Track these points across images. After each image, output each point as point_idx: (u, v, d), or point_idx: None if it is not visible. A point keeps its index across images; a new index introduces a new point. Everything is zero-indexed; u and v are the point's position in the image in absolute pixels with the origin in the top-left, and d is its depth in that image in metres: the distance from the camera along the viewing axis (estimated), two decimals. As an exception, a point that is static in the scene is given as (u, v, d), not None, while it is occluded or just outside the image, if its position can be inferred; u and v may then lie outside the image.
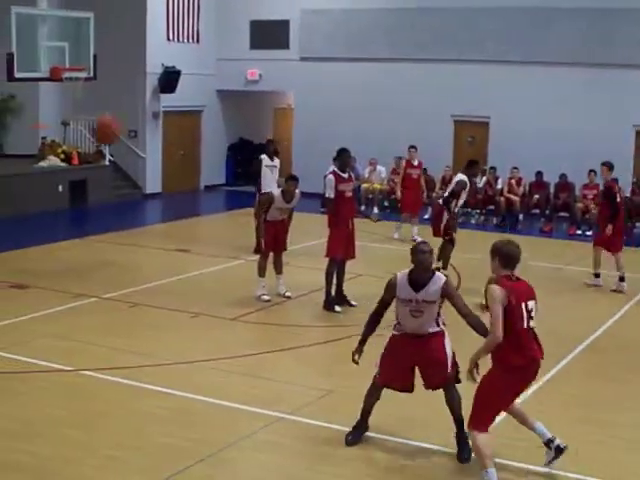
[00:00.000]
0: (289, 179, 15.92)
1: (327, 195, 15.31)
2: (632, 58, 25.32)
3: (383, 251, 20.54)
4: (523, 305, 8.73)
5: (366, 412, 9.90)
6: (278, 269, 16.08)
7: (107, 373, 11.77)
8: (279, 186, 17.31)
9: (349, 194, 15.25)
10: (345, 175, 15.31)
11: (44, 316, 14.45)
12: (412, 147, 23.38)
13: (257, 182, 19.61)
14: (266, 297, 15.71)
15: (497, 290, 8.59)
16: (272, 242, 15.81)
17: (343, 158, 15.50)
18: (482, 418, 8.79)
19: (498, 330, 8.56)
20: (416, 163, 23.14)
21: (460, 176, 17.26)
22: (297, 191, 15.82)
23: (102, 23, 23.83)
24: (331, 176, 15.16)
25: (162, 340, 13.46)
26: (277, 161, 20.02)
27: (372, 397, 9.91)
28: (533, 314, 8.88)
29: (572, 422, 10.64)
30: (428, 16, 27.91)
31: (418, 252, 9.49)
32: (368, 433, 9.94)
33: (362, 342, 9.97)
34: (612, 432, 10.38)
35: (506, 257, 8.89)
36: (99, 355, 12.52)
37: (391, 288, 9.62)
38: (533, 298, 8.93)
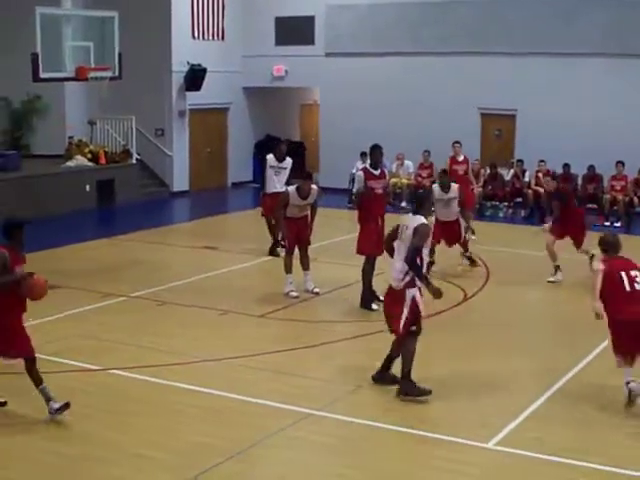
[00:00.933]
0: (303, 176, 15.94)
1: (354, 190, 15.29)
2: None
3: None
4: None
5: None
6: (305, 265, 16.06)
7: (136, 372, 11.81)
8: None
9: (379, 191, 15.01)
10: (376, 172, 15.16)
11: (73, 315, 14.51)
12: (456, 143, 23.18)
13: (262, 183, 19.52)
14: (294, 293, 15.71)
15: None
16: (295, 239, 15.81)
17: (375, 154, 15.35)
18: None
19: None
20: (461, 159, 22.81)
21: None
22: (314, 187, 15.81)
23: (127, 22, 23.89)
24: (361, 172, 15.13)
25: (191, 338, 13.48)
26: (288, 162, 19.43)
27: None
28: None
29: (602, 414, 10.59)
30: (453, 9, 27.80)
31: None
32: (397, 427, 9.93)
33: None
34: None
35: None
36: (128, 354, 12.56)
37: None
38: None
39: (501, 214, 25.35)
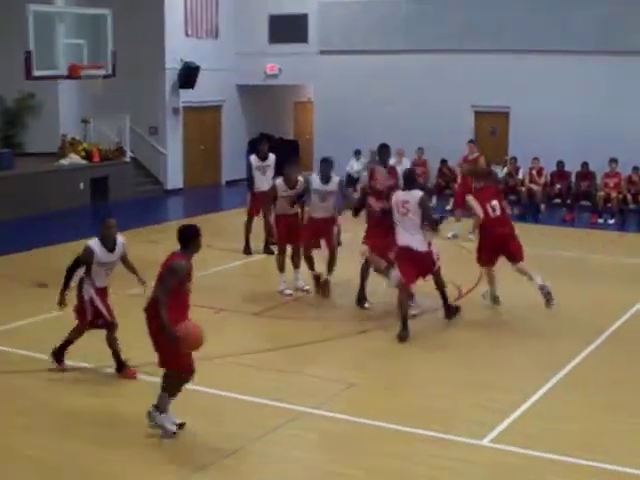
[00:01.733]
0: (290, 165, 15.85)
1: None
2: (652, 45, 25.18)
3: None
4: None
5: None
6: (295, 263, 15.99)
7: (131, 370, 11.79)
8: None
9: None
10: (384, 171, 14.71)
11: (66, 314, 14.45)
12: (470, 141, 23.17)
13: (249, 183, 19.10)
14: (288, 291, 15.70)
15: None
16: (286, 236, 15.72)
17: (383, 154, 14.92)
18: None
19: None
20: (473, 157, 22.38)
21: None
22: (300, 178, 15.72)
23: (120, 20, 23.88)
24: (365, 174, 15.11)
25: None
26: (271, 159, 19.18)
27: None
28: None
29: (599, 409, 10.63)
30: (447, 6, 27.84)
31: None
32: (392, 425, 9.94)
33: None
34: (639, 420, 10.35)
35: None
36: (122, 352, 12.52)
37: None
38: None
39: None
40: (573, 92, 26.15)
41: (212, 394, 11.02)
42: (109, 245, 11.90)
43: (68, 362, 12.03)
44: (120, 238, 12.19)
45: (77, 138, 27.24)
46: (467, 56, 27.47)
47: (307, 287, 15.93)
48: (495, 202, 14.66)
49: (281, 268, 15.82)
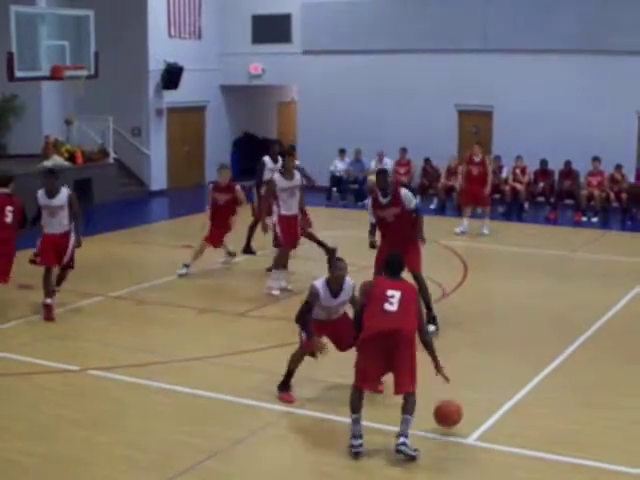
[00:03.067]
0: (286, 155, 16.07)
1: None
2: (635, 45, 25.19)
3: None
4: None
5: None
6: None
7: (115, 372, 11.77)
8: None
9: (391, 219, 13.79)
10: (385, 200, 13.68)
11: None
12: (477, 143, 23.33)
13: (257, 186, 17.76)
14: (276, 292, 15.67)
15: None
16: (289, 235, 15.75)
17: (380, 180, 13.81)
18: None
19: None
20: (478, 159, 22.43)
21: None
22: (295, 171, 15.86)
23: (102, 21, 23.82)
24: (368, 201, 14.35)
25: (170, 337, 13.46)
26: (280, 163, 18.16)
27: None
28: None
29: (581, 407, 10.66)
30: (430, 6, 27.84)
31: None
32: (378, 424, 9.94)
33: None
34: (623, 416, 10.40)
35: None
36: (107, 354, 12.53)
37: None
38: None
39: (479, 210, 25.37)
40: (556, 91, 26.22)
41: (195, 394, 11.01)
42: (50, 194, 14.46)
43: (51, 364, 12.02)
44: (65, 189, 14.65)
45: (60, 139, 27.16)
46: (450, 56, 27.51)
47: (290, 286, 15.92)
48: None
49: (280, 265, 15.83)
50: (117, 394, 11.12)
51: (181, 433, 9.81)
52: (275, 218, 15.76)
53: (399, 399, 9.53)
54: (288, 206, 15.75)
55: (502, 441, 9.57)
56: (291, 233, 15.83)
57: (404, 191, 13.67)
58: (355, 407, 9.45)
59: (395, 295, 9.53)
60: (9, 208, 14.21)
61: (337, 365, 11.99)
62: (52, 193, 14.44)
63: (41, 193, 14.49)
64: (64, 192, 14.56)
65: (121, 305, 15.27)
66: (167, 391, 11.12)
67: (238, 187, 17.35)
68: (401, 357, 9.45)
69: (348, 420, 9.77)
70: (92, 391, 11.24)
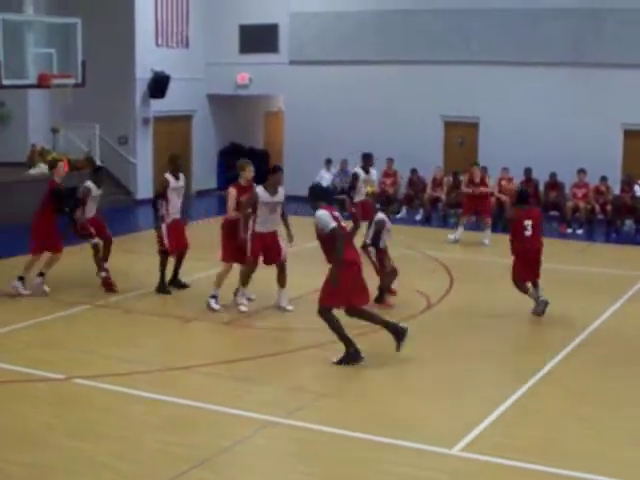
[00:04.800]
0: (274, 170, 15.74)
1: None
2: (619, 58, 25.40)
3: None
4: None
5: None
6: (281, 282, 15.54)
7: (100, 381, 11.75)
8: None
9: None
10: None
11: (37, 324, 14.44)
12: (475, 164, 23.63)
13: (156, 207, 16.79)
14: (244, 308, 15.36)
15: None
16: (261, 252, 15.22)
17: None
18: None
19: None
20: (477, 180, 23.04)
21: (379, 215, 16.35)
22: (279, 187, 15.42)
23: (90, 29, 23.80)
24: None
25: (156, 346, 13.47)
26: (182, 180, 17.36)
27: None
28: None
29: (567, 417, 10.71)
30: (417, 18, 27.95)
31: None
32: (361, 434, 9.97)
33: None
34: (608, 426, 10.44)
35: None
36: (92, 363, 12.51)
37: None
38: None
39: (464, 221, 25.43)
40: (542, 103, 26.36)
41: (180, 404, 11.01)
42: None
43: (37, 372, 12.00)
44: None
45: (47, 148, 27.13)
46: (437, 67, 27.63)
47: (290, 307, 15.65)
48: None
49: (245, 282, 15.46)
50: (102, 403, 11.10)
51: (166, 442, 9.79)
52: (249, 234, 15.09)
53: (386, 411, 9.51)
54: (265, 222, 15.24)
55: (487, 452, 9.58)
56: (265, 250, 15.27)
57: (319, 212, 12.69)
58: None
59: None
60: None
61: (323, 376, 12.04)
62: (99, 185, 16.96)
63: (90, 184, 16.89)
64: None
65: (108, 314, 15.25)
66: (152, 400, 11.11)
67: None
68: None
69: (334, 431, 9.82)
70: (77, 400, 11.22)
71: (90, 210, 16.84)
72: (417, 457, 9.56)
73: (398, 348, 12.62)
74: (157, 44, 29.43)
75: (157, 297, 16.34)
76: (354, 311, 12.59)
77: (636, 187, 24.27)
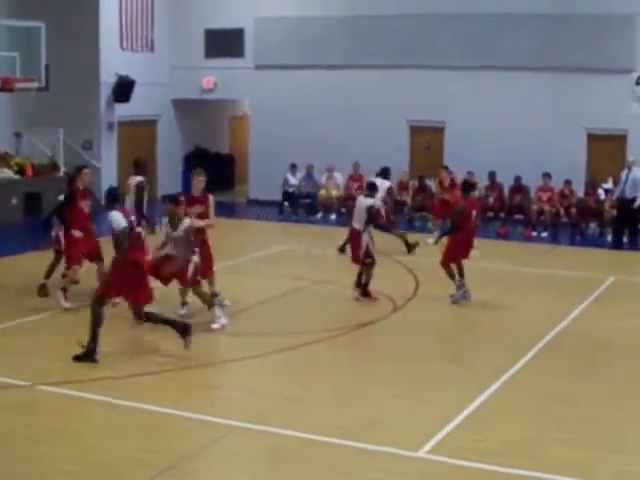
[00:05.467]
0: (173, 202, 15.07)
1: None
2: (583, 62, 25.56)
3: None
4: None
5: None
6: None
7: (65, 387, 11.66)
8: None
9: None
10: None
11: (1, 331, 14.31)
12: (444, 167, 23.82)
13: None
14: (217, 326, 14.88)
15: None
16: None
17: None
18: None
19: None
20: (447, 184, 23.21)
21: (370, 201, 16.87)
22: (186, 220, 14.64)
23: (54, 33, 23.70)
24: None
25: (120, 352, 13.37)
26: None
27: None
28: None
29: (533, 420, 10.74)
30: (383, 23, 27.97)
31: None
32: (328, 438, 9.95)
33: None
34: (574, 429, 10.48)
35: None
36: (56, 369, 12.41)
37: None
38: None
39: (430, 225, 25.50)
40: (507, 108, 26.49)
41: (146, 409, 10.94)
42: None
43: (1, 379, 11.90)
44: None
45: (10, 152, 26.93)
46: (403, 72, 27.68)
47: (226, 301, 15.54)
48: None
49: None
50: (68, 409, 11.02)
51: (133, 448, 9.73)
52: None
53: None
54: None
55: (452, 454, 9.60)
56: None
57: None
58: None
59: None
60: None
61: (290, 381, 12.03)
62: None
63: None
64: None
65: (71, 320, 15.14)
66: (118, 406, 11.04)
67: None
68: None
69: (301, 435, 9.81)
70: (42, 406, 11.12)
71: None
72: (383, 460, 9.55)
73: (186, 345, 12.95)
74: (122, 48, 29.29)
75: (120, 303, 16.21)
76: (145, 316, 13.22)
77: (600, 190, 24.42)
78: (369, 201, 16.77)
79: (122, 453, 9.63)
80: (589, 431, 10.44)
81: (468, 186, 17.43)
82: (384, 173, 21.91)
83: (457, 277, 16.41)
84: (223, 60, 30.43)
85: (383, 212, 20.08)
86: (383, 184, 20.99)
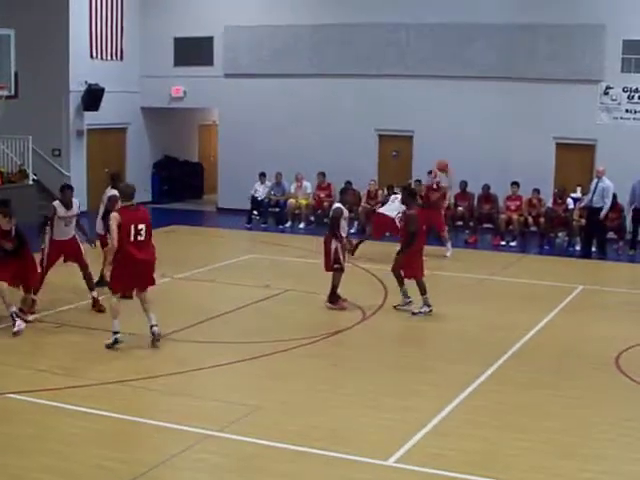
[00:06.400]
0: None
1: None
2: (550, 72, 25.80)
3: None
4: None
5: None
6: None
7: (33, 396, 11.61)
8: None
9: None
10: None
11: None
12: (429, 172, 23.64)
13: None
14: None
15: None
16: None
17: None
18: None
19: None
20: (435, 187, 23.08)
21: (335, 205, 17.38)
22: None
23: (23, 41, 23.61)
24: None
25: (89, 361, 13.32)
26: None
27: None
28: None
29: (500, 429, 10.78)
30: (351, 32, 28.09)
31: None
32: (296, 447, 9.97)
33: None
34: (540, 438, 10.52)
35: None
36: (24, 378, 12.36)
37: None
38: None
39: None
40: (475, 117, 26.64)
41: (115, 418, 10.91)
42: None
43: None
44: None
45: (-22, 160, 26.82)
46: (371, 80, 27.80)
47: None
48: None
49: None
50: (36, 418, 10.97)
51: (100, 457, 9.71)
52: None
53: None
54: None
55: (421, 463, 9.63)
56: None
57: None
58: None
59: None
60: None
61: (257, 389, 12.03)
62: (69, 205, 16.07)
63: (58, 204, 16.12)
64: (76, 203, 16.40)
65: (40, 328, 15.07)
66: (87, 415, 11.01)
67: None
68: None
69: (268, 444, 9.81)
70: (11, 415, 11.08)
71: (58, 232, 16.08)
72: (353, 469, 9.58)
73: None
74: (91, 56, 29.23)
75: (89, 311, 16.18)
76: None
77: (569, 200, 24.57)
78: (333, 207, 17.02)
79: (90, 462, 9.59)
80: (554, 440, 10.49)
81: (412, 194, 17.27)
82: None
83: (404, 286, 16.50)
84: (192, 68, 30.44)
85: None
86: (398, 199, 20.76)
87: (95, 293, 16.19)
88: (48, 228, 16.08)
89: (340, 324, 15.42)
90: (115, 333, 13.72)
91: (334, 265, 16.44)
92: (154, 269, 14.21)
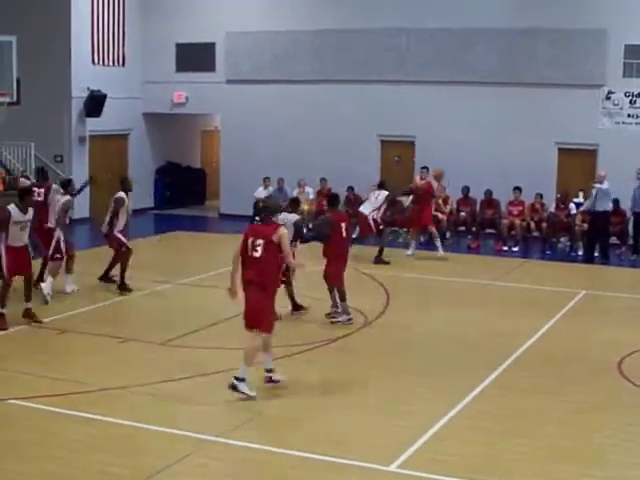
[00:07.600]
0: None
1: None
2: (552, 77, 25.81)
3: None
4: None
5: None
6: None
7: (36, 402, 11.62)
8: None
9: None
10: None
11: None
12: (423, 168, 23.83)
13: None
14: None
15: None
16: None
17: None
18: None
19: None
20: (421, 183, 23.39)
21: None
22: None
23: (25, 47, 23.62)
24: None
25: (91, 366, 13.33)
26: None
27: None
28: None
29: (502, 434, 10.77)
30: (353, 38, 28.12)
31: None
32: (298, 452, 9.96)
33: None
34: (542, 443, 10.52)
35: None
36: (28, 383, 12.37)
37: None
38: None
39: (401, 239, 25.58)
40: (477, 122, 26.63)
41: (116, 424, 10.92)
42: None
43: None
44: None
45: (-20, 166, 26.80)
46: (372, 86, 27.82)
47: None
48: None
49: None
50: (38, 424, 10.97)
51: (104, 463, 9.71)
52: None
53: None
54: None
55: (423, 468, 9.63)
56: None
57: None
58: None
59: None
60: None
61: (259, 395, 12.02)
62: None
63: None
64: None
65: (43, 334, 15.09)
66: (89, 420, 11.01)
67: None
68: None
69: (270, 449, 9.81)
70: (13, 421, 11.08)
71: (12, 238, 15.38)
72: (355, 474, 9.58)
73: None
74: (93, 62, 29.28)
75: (91, 318, 16.19)
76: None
77: (571, 205, 24.56)
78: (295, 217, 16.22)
79: (93, 468, 9.60)
80: (556, 445, 10.48)
81: (334, 199, 17.07)
82: (382, 184, 22.69)
83: (338, 297, 16.11)
84: (194, 74, 30.49)
85: (372, 221, 21.69)
86: (381, 194, 21.80)
87: (30, 304, 15.73)
88: (3, 234, 15.31)
89: (343, 330, 15.40)
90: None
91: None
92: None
